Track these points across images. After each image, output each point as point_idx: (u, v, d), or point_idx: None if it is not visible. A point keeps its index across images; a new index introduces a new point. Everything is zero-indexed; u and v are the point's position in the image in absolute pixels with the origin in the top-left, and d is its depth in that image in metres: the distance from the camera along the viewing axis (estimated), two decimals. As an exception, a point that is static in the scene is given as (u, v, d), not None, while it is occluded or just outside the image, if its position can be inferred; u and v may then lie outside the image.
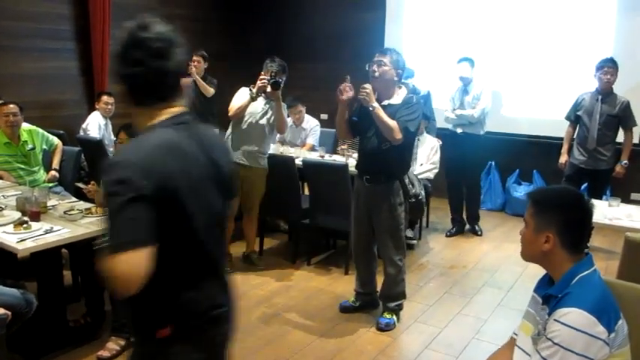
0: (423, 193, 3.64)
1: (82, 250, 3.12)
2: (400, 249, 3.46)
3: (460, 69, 5.20)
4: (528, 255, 1.75)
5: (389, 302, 3.55)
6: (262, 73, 4.04)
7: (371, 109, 3.16)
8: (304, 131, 5.63)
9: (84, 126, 5.46)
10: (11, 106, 4.12)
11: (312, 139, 5.58)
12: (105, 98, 5.53)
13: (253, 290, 3.98)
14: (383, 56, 3.26)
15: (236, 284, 4.06)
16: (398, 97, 3.29)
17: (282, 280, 4.19)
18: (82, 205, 3.26)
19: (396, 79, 3.30)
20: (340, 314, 3.64)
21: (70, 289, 3.48)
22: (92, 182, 3.22)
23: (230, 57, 7.40)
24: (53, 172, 4.37)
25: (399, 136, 3.15)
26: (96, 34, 6.01)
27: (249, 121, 4.10)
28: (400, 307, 3.58)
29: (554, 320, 1.56)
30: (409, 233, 4.72)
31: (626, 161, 4.66)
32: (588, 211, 1.69)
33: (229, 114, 4.12)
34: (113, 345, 2.98)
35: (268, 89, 3.95)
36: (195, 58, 5.91)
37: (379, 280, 3.68)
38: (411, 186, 3.42)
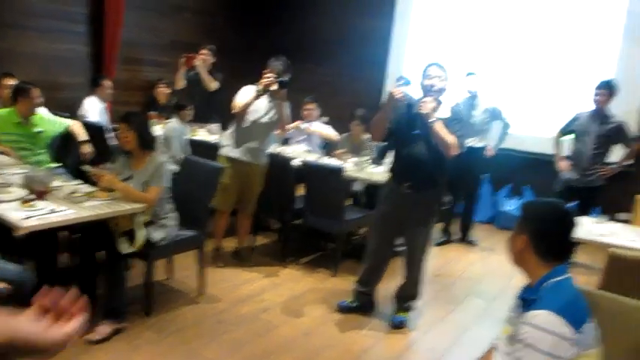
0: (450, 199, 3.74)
1: (82, 233, 3.17)
2: (427, 252, 3.58)
3: (469, 82, 5.32)
4: (510, 255, 1.88)
5: (405, 302, 3.66)
6: (267, 70, 4.07)
7: (432, 123, 3.18)
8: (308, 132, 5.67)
9: (81, 112, 5.49)
10: (37, 91, 4.12)
11: (333, 133, 5.61)
12: (106, 83, 5.57)
13: (243, 285, 4.05)
14: (442, 71, 3.30)
15: (227, 279, 4.13)
16: (442, 110, 3.33)
17: (271, 278, 4.25)
18: (86, 188, 3.31)
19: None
20: (327, 314, 3.72)
21: (63, 273, 3.53)
22: (98, 166, 3.27)
23: (236, 53, 7.47)
24: (86, 147, 4.27)
25: (456, 151, 3.23)
26: (109, 19, 6.07)
27: (251, 118, 4.16)
28: (412, 307, 3.70)
29: (525, 322, 1.66)
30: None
31: (616, 165, 4.81)
32: (565, 225, 1.81)
33: (233, 111, 4.18)
34: (104, 329, 3.02)
35: (274, 87, 3.99)
36: (203, 51, 5.94)
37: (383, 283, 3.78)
38: (445, 194, 3.53)
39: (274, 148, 5.04)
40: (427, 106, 3.17)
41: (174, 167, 4.47)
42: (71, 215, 2.87)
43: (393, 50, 7.07)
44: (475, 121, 5.32)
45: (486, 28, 6.48)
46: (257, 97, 4.05)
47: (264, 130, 4.22)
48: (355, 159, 4.90)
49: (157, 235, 3.33)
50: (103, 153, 4.52)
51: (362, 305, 3.77)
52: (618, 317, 2.01)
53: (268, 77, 3.98)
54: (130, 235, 3.16)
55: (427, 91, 3.28)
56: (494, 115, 5.39)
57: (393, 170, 3.59)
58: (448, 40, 6.68)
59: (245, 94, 4.12)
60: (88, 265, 3.27)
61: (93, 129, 4.99)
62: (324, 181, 4.38)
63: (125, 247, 3.12)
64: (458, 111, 3.36)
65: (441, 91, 3.28)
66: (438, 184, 3.45)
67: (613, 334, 1.90)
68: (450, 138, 3.19)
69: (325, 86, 7.34)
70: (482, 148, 5.40)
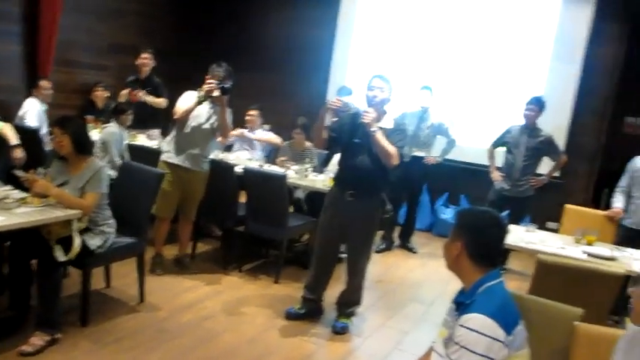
0: (391, 208, 3.82)
1: (13, 240, 3.03)
2: (369, 259, 3.67)
3: (421, 96, 5.50)
4: (446, 260, 1.96)
5: (347, 308, 3.71)
6: (208, 77, 4.07)
7: (372, 133, 3.26)
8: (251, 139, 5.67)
9: (21, 113, 5.27)
10: None
11: (277, 139, 5.64)
12: (43, 84, 5.37)
13: (184, 293, 3.98)
14: (384, 82, 3.40)
15: (167, 286, 4.05)
16: (386, 121, 3.44)
17: (213, 285, 4.20)
18: (18, 194, 3.17)
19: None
20: (271, 320, 3.71)
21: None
22: (31, 171, 3.14)
23: (177, 58, 7.37)
24: (18, 151, 4.11)
25: (396, 161, 3.35)
26: (45, 19, 5.84)
27: (192, 124, 4.11)
28: (355, 313, 3.76)
29: (460, 325, 1.75)
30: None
31: (545, 177, 5.09)
32: (498, 232, 1.91)
33: (175, 116, 4.12)
34: (37, 340, 2.90)
35: (216, 93, 3.98)
36: (144, 55, 5.83)
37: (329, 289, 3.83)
38: (387, 202, 3.59)
39: (216, 155, 5.00)
40: (369, 116, 3.26)
41: (112, 173, 4.37)
42: (1, 222, 2.74)
43: (336, 60, 7.17)
44: (422, 134, 5.50)
45: (425, 42, 6.69)
46: (198, 103, 4.02)
47: (205, 137, 4.19)
48: (297, 167, 4.94)
49: (95, 242, 3.23)
50: (37, 157, 4.33)
51: (309, 312, 3.80)
52: (545, 320, 2.14)
53: (210, 83, 3.96)
54: (66, 243, 3.05)
55: (370, 102, 3.38)
56: (440, 130, 5.57)
57: (336, 178, 3.67)
58: (390, 52, 6.85)
59: (186, 100, 4.08)
60: (21, 274, 3.14)
61: (26, 132, 4.80)
62: (266, 188, 4.39)
63: (60, 255, 3.01)
64: (400, 122, 3.47)
65: (383, 102, 3.39)
66: (380, 193, 3.54)
67: (540, 336, 2.02)
68: (390, 148, 3.30)
69: (268, 94, 7.35)
70: (423, 158, 5.58)
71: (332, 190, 3.66)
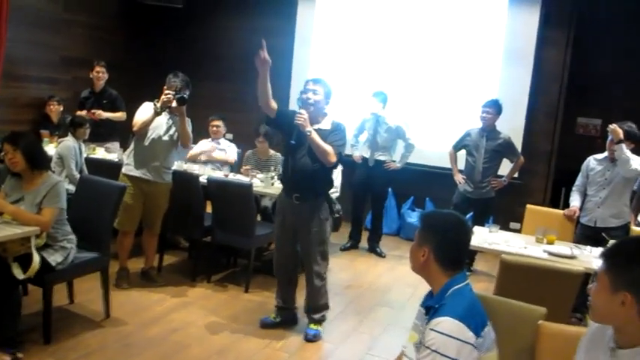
0: (340, 208, 3.85)
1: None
2: (325, 261, 3.65)
3: (371, 103, 5.56)
4: (413, 265, 1.97)
5: (314, 314, 3.69)
6: (165, 87, 4.03)
7: (307, 133, 3.34)
8: (219, 147, 5.63)
9: None
10: None
11: (233, 156, 5.61)
12: None
13: (151, 307, 3.91)
14: (317, 85, 3.49)
15: (134, 300, 3.97)
16: (326, 122, 3.51)
17: (181, 297, 4.14)
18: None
19: (325, 106, 3.53)
20: (241, 331, 3.67)
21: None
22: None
23: (132, 69, 7.26)
24: None
25: (334, 159, 3.38)
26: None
27: (152, 136, 4.06)
28: (324, 318, 3.74)
29: (430, 329, 1.76)
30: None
31: (505, 179, 5.22)
32: (464, 235, 1.94)
33: (134, 129, 4.06)
34: (-4, 360, 2.81)
35: (173, 104, 3.95)
36: (98, 68, 5.81)
37: (299, 296, 3.82)
38: (334, 202, 3.60)
39: (180, 165, 4.94)
40: (301, 117, 3.36)
41: (71, 187, 4.26)
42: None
43: (296, 68, 7.16)
44: (379, 138, 5.56)
45: (381, 47, 6.76)
46: (156, 114, 3.98)
47: (165, 148, 4.13)
48: (262, 175, 4.93)
49: (55, 258, 3.16)
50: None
51: (284, 320, 3.78)
52: (511, 320, 2.18)
53: (167, 94, 3.93)
54: (24, 260, 2.96)
55: (304, 103, 3.48)
56: (398, 133, 5.64)
57: (282, 182, 3.73)
58: (347, 58, 6.91)
59: (144, 112, 4.03)
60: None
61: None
62: (232, 197, 4.36)
63: (19, 273, 2.92)
64: (337, 124, 3.53)
65: (317, 103, 3.47)
66: (325, 193, 3.57)
67: (506, 336, 2.05)
68: (326, 146, 3.37)
69: (229, 103, 7.32)
70: (385, 162, 5.64)
71: (280, 195, 3.70)
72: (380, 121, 5.58)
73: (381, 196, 5.87)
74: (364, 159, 5.68)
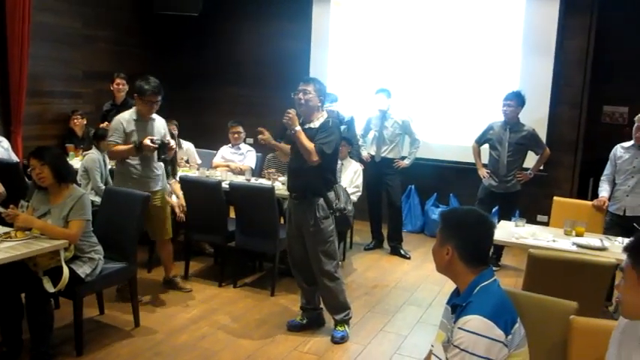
0: (350, 207, 3.78)
1: (1, 276, 2.98)
2: (332, 259, 3.59)
3: (377, 100, 5.50)
4: (437, 265, 1.94)
5: (335, 314, 3.68)
6: (136, 95, 4.09)
7: (292, 132, 3.40)
8: (238, 152, 5.69)
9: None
10: None
11: (250, 162, 5.66)
12: None
13: (179, 314, 3.94)
14: (307, 85, 3.50)
15: (162, 309, 3.99)
16: (318, 121, 3.52)
17: (208, 303, 4.17)
18: (1, 229, 3.12)
19: (319, 104, 3.53)
20: (269, 335, 3.68)
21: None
22: (12, 206, 3.10)
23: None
24: None
25: (315, 158, 3.39)
26: (13, 53, 5.76)
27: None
28: (348, 317, 3.71)
29: (458, 328, 1.73)
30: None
31: (531, 171, 5.13)
32: (485, 231, 1.89)
33: (109, 156, 4.21)
34: (30, 374, 2.86)
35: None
36: (118, 80, 5.90)
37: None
38: (337, 200, 3.56)
39: (203, 172, 4.98)
40: (288, 115, 3.41)
41: (96, 199, 4.32)
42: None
43: (314, 70, 7.05)
44: (386, 133, 5.53)
45: (399, 44, 6.71)
46: (136, 151, 3.93)
47: (143, 158, 4.05)
48: (284, 178, 4.93)
49: (84, 270, 3.20)
50: (18, 191, 4.27)
51: (310, 321, 3.78)
52: (541, 316, 2.13)
53: (152, 144, 3.92)
54: (55, 274, 3.01)
55: (296, 104, 3.51)
56: (404, 128, 5.59)
57: (287, 184, 3.75)
58: (366, 57, 6.87)
59: (121, 134, 3.99)
60: (10, 309, 3.08)
61: (5, 167, 4.74)
62: (255, 202, 4.37)
63: (49, 287, 2.97)
64: (326, 122, 3.51)
65: (307, 102, 3.48)
66: (318, 193, 3.52)
67: (537, 332, 2.01)
68: (308, 145, 3.38)
69: (248, 107, 7.35)
70: (394, 159, 5.60)
71: (288, 196, 3.74)
72: (387, 116, 5.55)
73: (394, 194, 5.73)
74: (372, 156, 5.64)
